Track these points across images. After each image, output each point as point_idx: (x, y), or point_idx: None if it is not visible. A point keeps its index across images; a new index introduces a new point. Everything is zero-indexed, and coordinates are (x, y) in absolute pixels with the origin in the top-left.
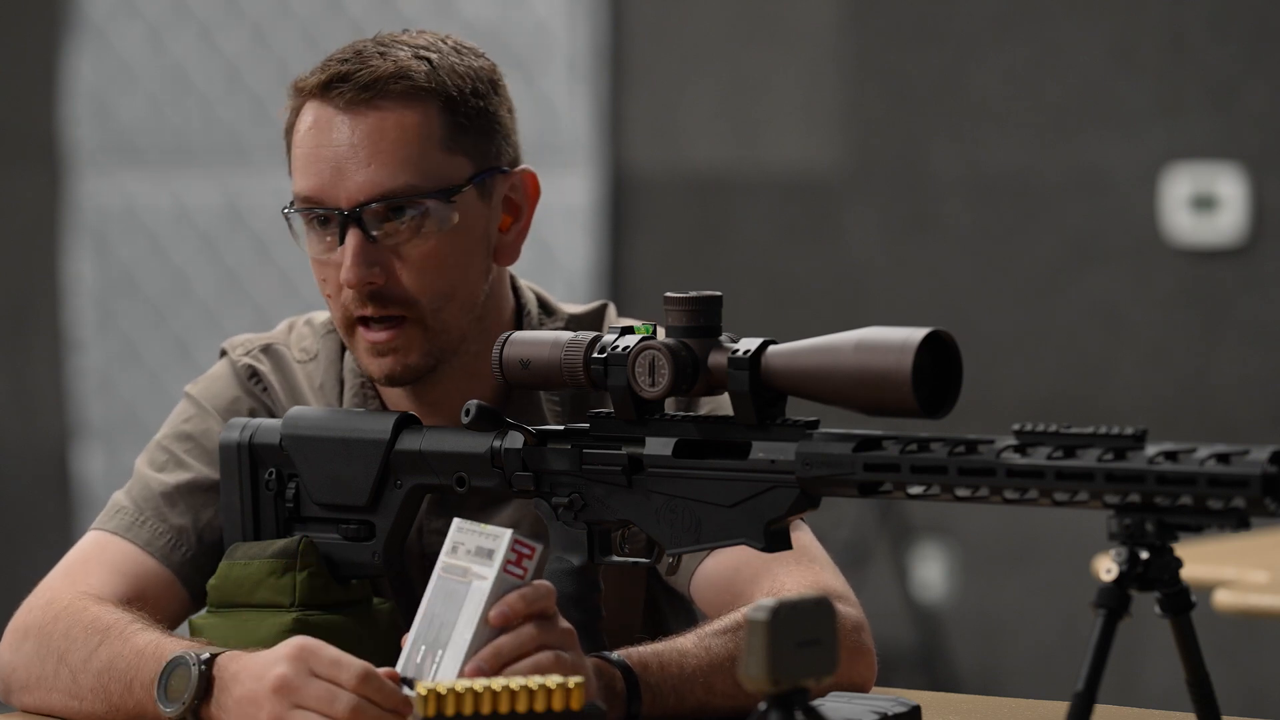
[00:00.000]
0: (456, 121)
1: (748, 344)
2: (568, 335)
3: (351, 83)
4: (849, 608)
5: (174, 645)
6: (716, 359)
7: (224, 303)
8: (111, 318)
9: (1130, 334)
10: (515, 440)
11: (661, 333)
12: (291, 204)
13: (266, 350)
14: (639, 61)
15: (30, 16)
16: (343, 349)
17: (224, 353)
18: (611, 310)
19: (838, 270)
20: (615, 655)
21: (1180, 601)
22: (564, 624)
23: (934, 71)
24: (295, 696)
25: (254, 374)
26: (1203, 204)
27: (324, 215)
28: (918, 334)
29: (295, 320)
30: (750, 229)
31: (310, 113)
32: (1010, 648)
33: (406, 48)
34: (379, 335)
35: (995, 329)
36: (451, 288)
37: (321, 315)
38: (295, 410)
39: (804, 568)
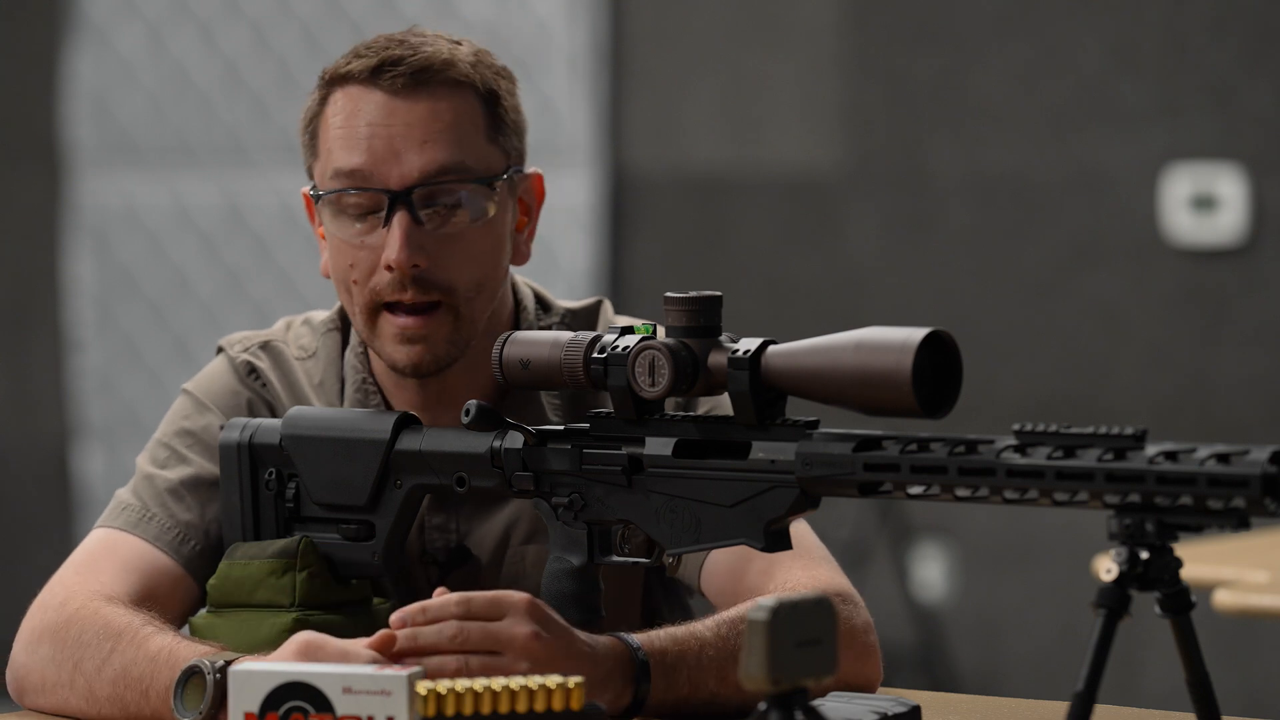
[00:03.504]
0: (494, 114)
1: (748, 344)
2: (567, 335)
3: (405, 66)
4: (858, 608)
5: (187, 651)
6: (716, 359)
7: (224, 303)
8: (111, 318)
9: (1130, 334)
10: (515, 440)
11: (661, 332)
12: (314, 187)
13: (265, 347)
14: (639, 61)
15: (30, 16)
16: (343, 347)
17: (221, 350)
18: (607, 306)
19: (838, 270)
20: (633, 638)
21: (1180, 601)
22: (522, 629)
23: (934, 71)
24: None
25: (253, 370)
26: (1203, 204)
27: (368, 196)
28: (918, 334)
29: (293, 319)
30: (750, 229)
31: (355, 96)
32: (1010, 648)
33: (442, 40)
34: (408, 321)
35: (995, 329)
36: (484, 278)
37: (320, 314)
38: (295, 410)
39: (812, 563)
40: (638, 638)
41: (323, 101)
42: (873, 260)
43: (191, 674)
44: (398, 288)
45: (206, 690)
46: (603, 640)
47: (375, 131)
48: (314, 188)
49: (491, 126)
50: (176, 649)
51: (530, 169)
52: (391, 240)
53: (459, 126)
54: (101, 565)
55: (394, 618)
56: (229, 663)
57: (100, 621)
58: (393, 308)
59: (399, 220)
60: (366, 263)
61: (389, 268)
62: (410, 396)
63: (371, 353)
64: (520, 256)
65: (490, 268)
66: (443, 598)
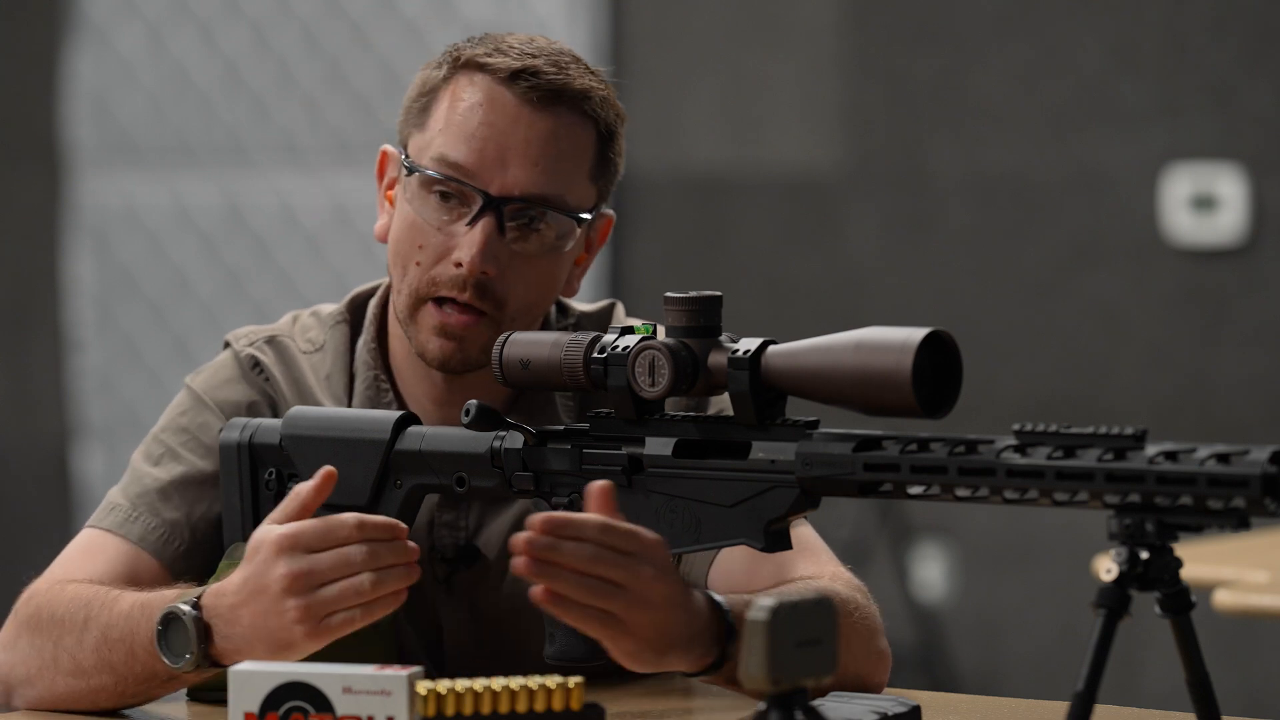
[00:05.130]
0: (605, 155)
1: (748, 344)
2: (568, 335)
3: (543, 80)
4: (872, 607)
5: (159, 600)
6: (716, 359)
7: (224, 303)
8: (111, 318)
9: (1130, 334)
10: (515, 440)
11: (661, 333)
12: (406, 158)
13: (270, 341)
14: (639, 61)
15: (30, 16)
16: (352, 340)
17: (227, 344)
18: (620, 309)
19: (838, 270)
20: (719, 598)
21: (1180, 601)
22: (649, 569)
23: (934, 71)
24: (311, 580)
25: (257, 364)
26: (1203, 204)
27: (463, 189)
28: (918, 334)
29: (300, 313)
30: (750, 229)
31: (483, 89)
32: (1010, 648)
33: (581, 65)
34: (453, 318)
35: (995, 329)
36: (534, 303)
37: (328, 308)
38: (295, 410)
39: (827, 562)
40: (723, 599)
41: (447, 80)
42: (873, 260)
43: (170, 621)
44: (458, 286)
45: (190, 633)
46: (699, 595)
47: (492, 133)
48: (407, 157)
49: (598, 166)
50: (148, 600)
51: (606, 209)
52: (470, 241)
53: (571, 157)
54: (84, 563)
55: (538, 519)
56: (199, 598)
57: (67, 597)
58: (440, 301)
59: (484, 225)
60: (437, 248)
61: (458, 264)
62: (429, 390)
63: (391, 345)
64: (571, 288)
65: (544, 295)
66: (586, 516)
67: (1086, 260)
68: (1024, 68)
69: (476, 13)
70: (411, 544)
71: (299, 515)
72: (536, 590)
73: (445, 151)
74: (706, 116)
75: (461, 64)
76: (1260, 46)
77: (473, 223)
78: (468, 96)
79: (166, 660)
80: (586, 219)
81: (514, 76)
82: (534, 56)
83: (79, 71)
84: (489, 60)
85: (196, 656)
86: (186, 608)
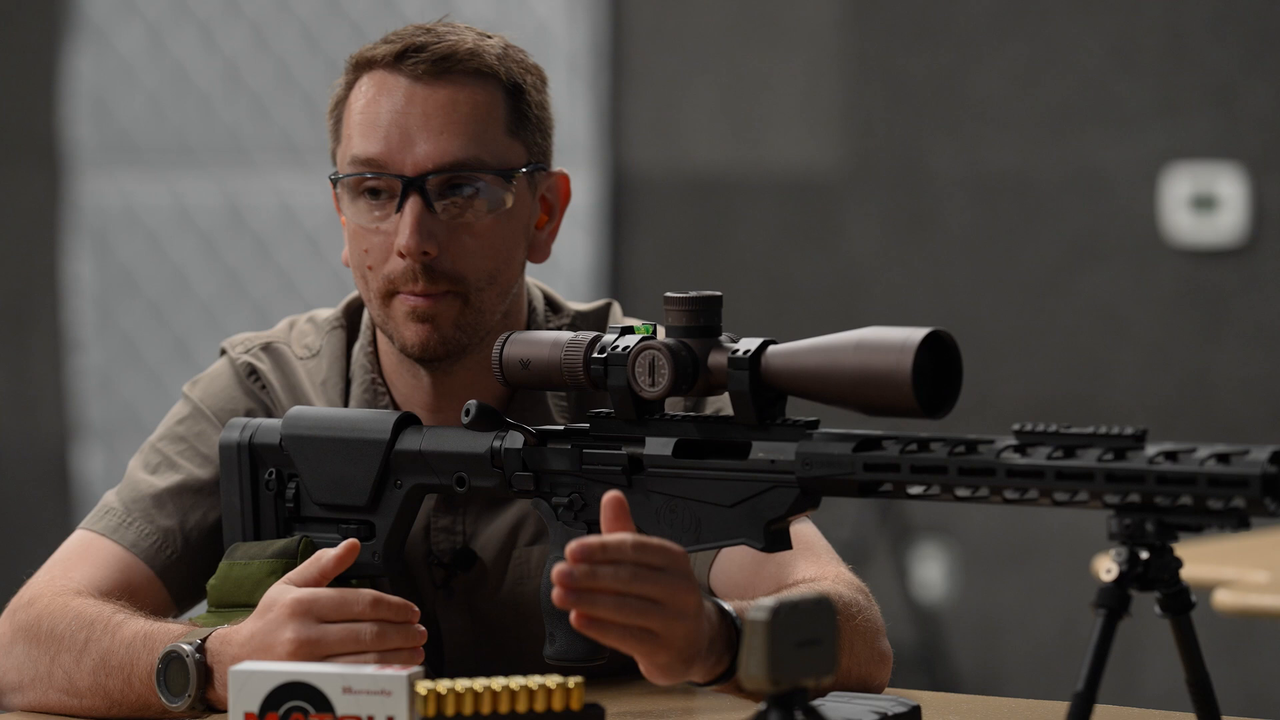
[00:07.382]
0: (518, 109)
1: (748, 344)
2: (568, 335)
3: (428, 53)
4: (874, 608)
5: (163, 634)
6: (716, 359)
7: (224, 303)
8: (111, 318)
9: (1130, 334)
10: (515, 440)
11: (661, 333)
12: (335, 172)
13: (266, 349)
14: (639, 61)
15: (30, 16)
16: (348, 345)
17: (224, 351)
18: (616, 309)
19: (838, 270)
20: (727, 606)
21: (1180, 601)
22: (684, 581)
23: (934, 71)
24: (317, 649)
25: (253, 372)
26: (1203, 204)
27: (384, 181)
28: (918, 334)
29: (296, 318)
30: (750, 229)
31: (378, 81)
32: (1010, 648)
33: (471, 32)
34: (419, 301)
35: (995, 329)
36: (496, 270)
37: (325, 313)
38: (295, 410)
39: (829, 561)
40: (731, 606)
41: (349, 87)
42: (873, 260)
43: (171, 660)
44: (410, 278)
45: (190, 675)
46: (708, 603)
47: (394, 119)
48: (335, 172)
49: (513, 120)
50: (152, 632)
51: (556, 169)
52: (403, 226)
53: (478, 118)
54: (76, 565)
55: (573, 549)
56: (205, 640)
57: (70, 613)
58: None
59: (411, 206)
60: (381, 249)
61: (400, 254)
62: (421, 396)
63: (381, 350)
64: (539, 254)
65: (503, 261)
66: (618, 537)
67: (1086, 260)
68: (1024, 68)
69: (476, 13)
70: (420, 628)
71: (317, 581)
72: (575, 617)
73: (357, 151)
74: (706, 116)
75: (355, 66)
76: (1260, 46)
77: (400, 208)
78: (365, 93)
79: (163, 698)
80: (518, 173)
81: (400, 58)
82: (419, 35)
83: (79, 71)
84: (375, 52)
85: (194, 699)
86: (190, 649)
